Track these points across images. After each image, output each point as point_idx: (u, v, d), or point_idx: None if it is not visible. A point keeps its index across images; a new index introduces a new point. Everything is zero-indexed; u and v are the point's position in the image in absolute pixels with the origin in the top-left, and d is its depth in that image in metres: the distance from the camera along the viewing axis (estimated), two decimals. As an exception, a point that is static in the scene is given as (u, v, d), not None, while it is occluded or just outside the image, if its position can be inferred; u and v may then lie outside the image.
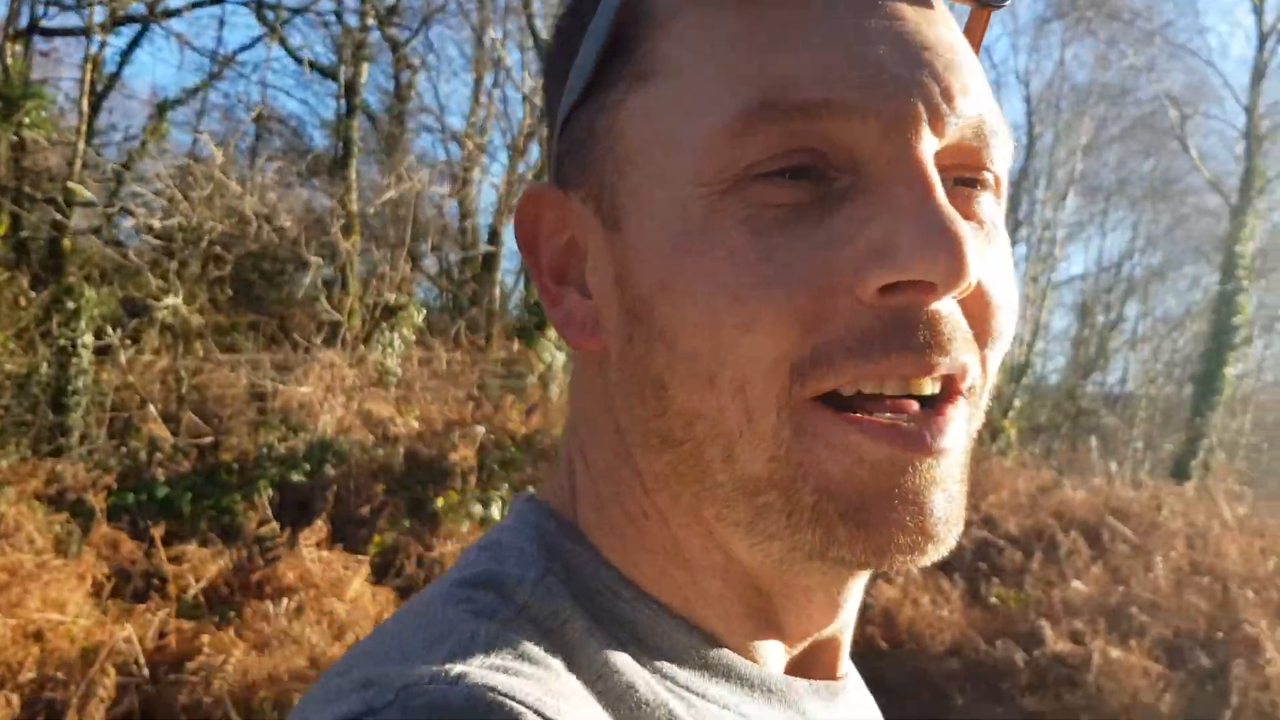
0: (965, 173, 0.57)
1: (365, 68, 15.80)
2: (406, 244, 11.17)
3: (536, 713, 0.46)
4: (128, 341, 9.98)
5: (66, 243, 12.12)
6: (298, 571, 6.57)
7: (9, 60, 8.07)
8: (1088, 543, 7.32)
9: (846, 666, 0.68)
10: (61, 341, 8.87)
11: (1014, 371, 17.96)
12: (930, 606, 6.37)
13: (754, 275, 0.52)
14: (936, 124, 0.54)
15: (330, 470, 8.47)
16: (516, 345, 13.03)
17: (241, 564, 6.85)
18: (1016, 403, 17.60)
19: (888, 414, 0.54)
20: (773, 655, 0.62)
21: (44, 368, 8.75)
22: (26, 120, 8.08)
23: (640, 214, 0.57)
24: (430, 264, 18.80)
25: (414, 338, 11.81)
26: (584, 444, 0.65)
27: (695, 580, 0.60)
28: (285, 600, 5.47)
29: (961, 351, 0.54)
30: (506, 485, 8.34)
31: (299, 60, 16.56)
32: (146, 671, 4.81)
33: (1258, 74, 16.99)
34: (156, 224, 8.54)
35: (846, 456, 0.53)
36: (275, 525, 7.04)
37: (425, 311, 12.68)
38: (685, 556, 0.60)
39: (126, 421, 9.48)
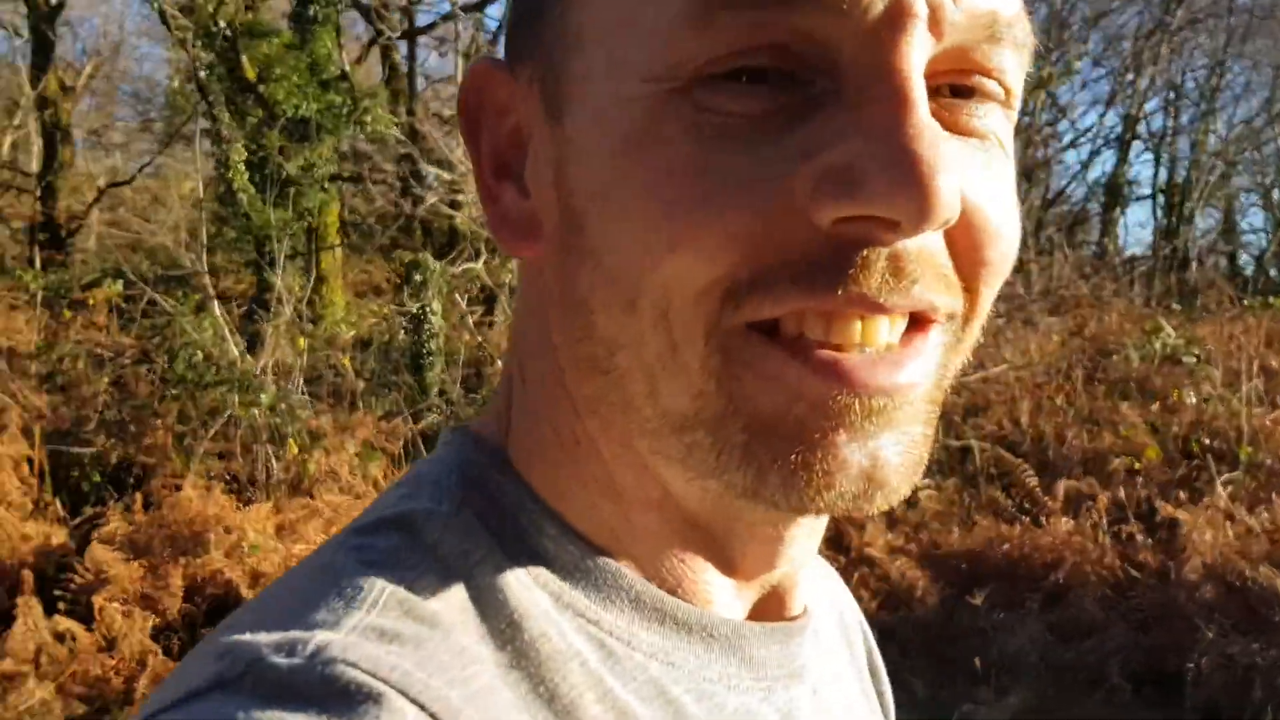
0: (966, 79, 0.48)
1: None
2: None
3: (400, 691, 0.42)
4: (480, 308, 10.99)
5: (460, 222, 13.61)
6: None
7: (348, 68, 9.24)
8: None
9: (808, 604, 0.61)
10: (414, 310, 10.03)
11: None
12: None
13: (688, 191, 0.45)
14: (935, 24, 0.45)
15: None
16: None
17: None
18: None
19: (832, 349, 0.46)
20: (724, 597, 0.56)
21: (400, 335, 9.95)
22: (368, 119, 9.21)
23: (583, 107, 0.49)
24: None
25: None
26: (522, 361, 0.58)
27: (627, 515, 0.54)
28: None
29: (930, 290, 0.47)
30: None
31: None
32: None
33: None
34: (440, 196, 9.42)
35: (782, 391, 0.46)
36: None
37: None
38: (617, 488, 0.54)
39: (480, 375, 10.59)
